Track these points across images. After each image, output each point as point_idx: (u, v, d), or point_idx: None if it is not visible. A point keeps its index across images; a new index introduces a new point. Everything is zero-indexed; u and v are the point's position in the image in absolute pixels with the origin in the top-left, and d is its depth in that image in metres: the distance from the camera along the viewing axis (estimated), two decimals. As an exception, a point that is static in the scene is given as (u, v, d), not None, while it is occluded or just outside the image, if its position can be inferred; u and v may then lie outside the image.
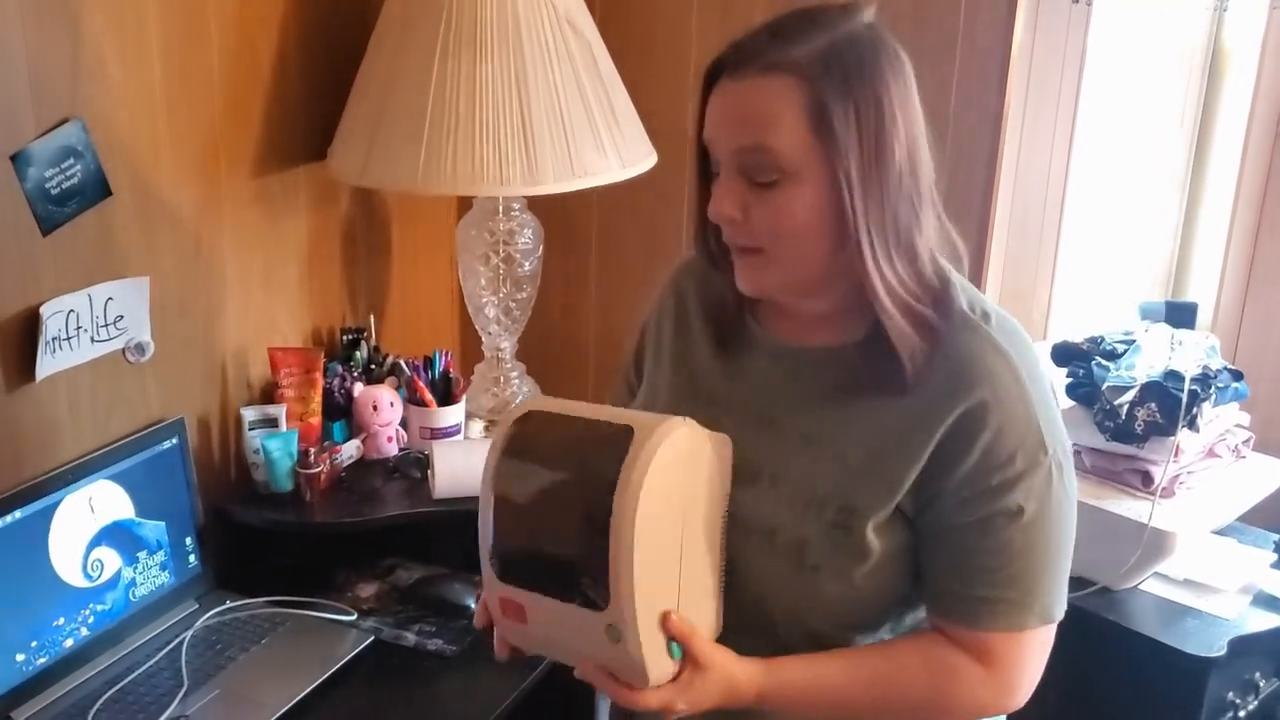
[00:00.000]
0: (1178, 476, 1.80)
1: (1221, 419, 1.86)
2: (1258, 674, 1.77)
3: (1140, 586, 1.81)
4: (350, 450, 1.96)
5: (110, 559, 1.70)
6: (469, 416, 2.09)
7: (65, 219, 1.62)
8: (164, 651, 1.70)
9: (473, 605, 1.66)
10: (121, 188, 1.69)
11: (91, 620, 1.68)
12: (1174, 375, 1.77)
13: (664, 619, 1.05)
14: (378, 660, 1.73)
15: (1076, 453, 1.55)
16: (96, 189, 1.65)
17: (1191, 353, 1.84)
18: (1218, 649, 1.67)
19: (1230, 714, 1.74)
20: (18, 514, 1.57)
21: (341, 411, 2.01)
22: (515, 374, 2.19)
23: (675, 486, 1.06)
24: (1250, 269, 2.01)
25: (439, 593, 1.85)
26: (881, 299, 1.06)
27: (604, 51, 1.95)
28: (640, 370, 1.32)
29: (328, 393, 1.99)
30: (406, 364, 2.05)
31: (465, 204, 2.17)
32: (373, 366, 2.09)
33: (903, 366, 1.08)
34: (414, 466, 1.97)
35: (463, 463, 1.87)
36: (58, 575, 1.63)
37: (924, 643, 1.14)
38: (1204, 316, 2.06)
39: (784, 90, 1.03)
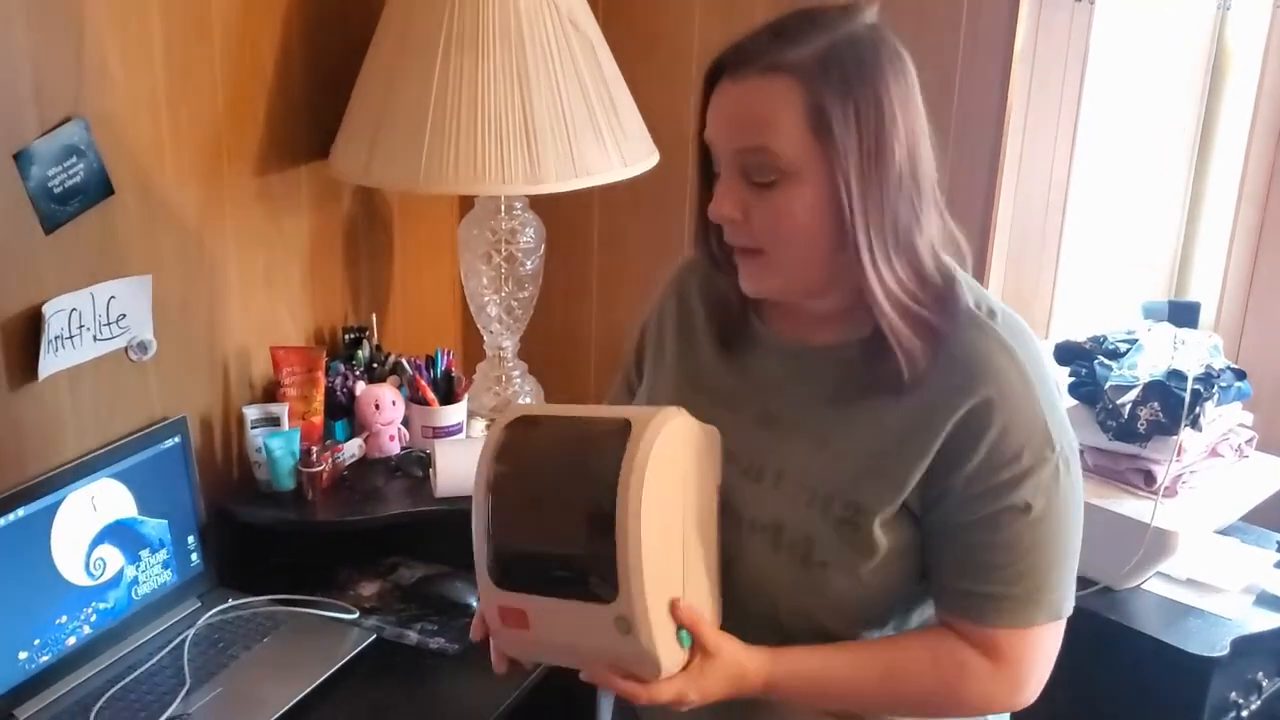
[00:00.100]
0: (1180, 476, 1.80)
1: (1224, 418, 1.85)
2: (1260, 674, 1.77)
3: (1143, 586, 1.81)
4: (352, 449, 1.97)
5: (113, 557, 1.70)
6: (471, 415, 2.09)
7: (68, 218, 1.62)
8: (166, 650, 1.70)
9: (475, 604, 1.66)
10: (124, 187, 1.69)
11: (94, 618, 1.68)
12: (1177, 374, 1.77)
13: (672, 606, 1.05)
14: (379, 659, 1.73)
15: (1079, 452, 1.55)
16: (99, 188, 1.65)
17: (1194, 352, 1.83)
18: (1220, 649, 1.67)
19: (1233, 714, 1.74)
20: (20, 512, 1.57)
21: (343, 410, 2.02)
22: (517, 373, 2.19)
23: (674, 476, 1.06)
24: (1253, 268, 2.01)
25: (441, 591, 1.85)
26: (879, 300, 1.06)
27: (606, 50, 1.95)
28: (641, 370, 1.33)
29: (330, 391, 1.99)
30: (408, 363, 2.06)
31: (467, 203, 2.17)
32: (375, 365, 2.09)
33: (906, 365, 1.08)
34: (416, 465, 1.97)
35: (465, 462, 1.87)
36: (60, 573, 1.63)
37: (934, 637, 1.14)
38: (1207, 316, 2.05)
39: (784, 91, 1.03)
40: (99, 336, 1.69)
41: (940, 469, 1.08)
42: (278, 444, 1.88)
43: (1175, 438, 1.76)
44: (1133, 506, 1.77)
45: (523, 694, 1.65)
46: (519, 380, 2.19)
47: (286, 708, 1.59)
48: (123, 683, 1.63)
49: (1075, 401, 1.85)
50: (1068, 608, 1.12)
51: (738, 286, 1.14)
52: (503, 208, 2.06)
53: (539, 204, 2.11)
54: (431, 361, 2.07)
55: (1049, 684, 1.15)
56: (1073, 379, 1.87)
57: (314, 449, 1.89)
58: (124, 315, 1.71)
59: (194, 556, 1.83)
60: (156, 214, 1.77)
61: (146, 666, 1.67)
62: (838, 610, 1.13)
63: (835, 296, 1.12)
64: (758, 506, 1.14)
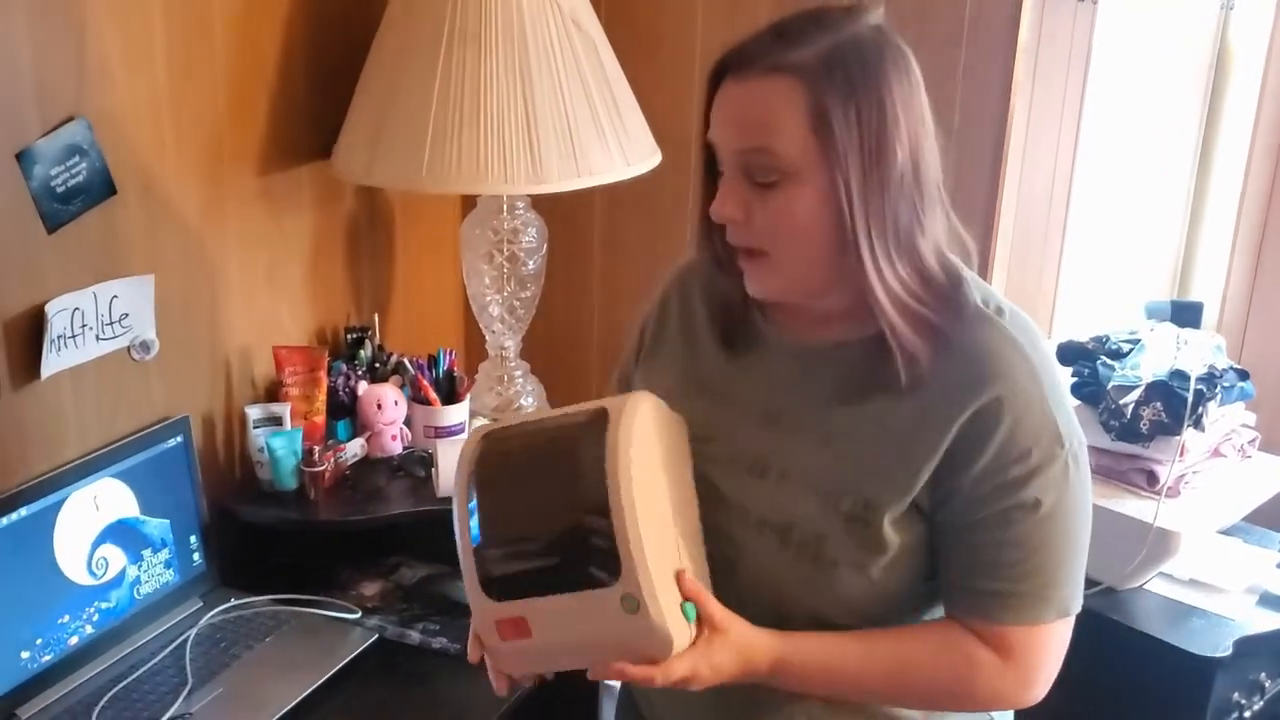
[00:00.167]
0: (1183, 476, 1.80)
1: (1227, 418, 1.85)
2: (1263, 674, 1.76)
3: (1145, 586, 1.81)
4: (354, 449, 1.97)
5: (115, 557, 1.70)
6: (473, 415, 2.09)
7: (70, 217, 1.62)
8: (168, 649, 1.71)
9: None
10: (126, 186, 1.69)
11: (96, 618, 1.68)
12: (1179, 375, 1.77)
13: (678, 577, 1.05)
14: (381, 658, 1.73)
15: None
16: (101, 187, 1.65)
17: (1197, 352, 1.83)
18: (1223, 649, 1.67)
19: (1235, 714, 1.74)
20: (23, 511, 1.57)
21: (346, 410, 2.02)
22: (519, 373, 2.19)
23: (654, 456, 1.07)
24: (1256, 268, 2.01)
25: (443, 591, 1.85)
26: (881, 300, 1.06)
27: (609, 50, 1.94)
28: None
29: (332, 391, 1.99)
30: (411, 362, 2.06)
31: (469, 202, 2.17)
32: (377, 365, 2.09)
33: (905, 366, 1.08)
34: (418, 465, 1.97)
35: (467, 461, 1.87)
36: (63, 573, 1.63)
37: (944, 630, 1.14)
38: (1210, 316, 2.05)
39: (786, 92, 1.03)
40: (101, 336, 1.69)
41: (950, 466, 1.08)
42: (280, 444, 1.88)
43: (1178, 438, 1.76)
44: (1135, 507, 1.77)
45: (524, 694, 1.64)
46: (521, 380, 2.19)
47: (288, 707, 1.59)
48: (125, 682, 1.64)
49: (1078, 402, 1.85)
50: (1076, 605, 1.12)
51: (741, 286, 1.14)
52: (505, 207, 2.06)
53: (541, 203, 2.11)
54: (434, 361, 2.07)
55: (1051, 684, 1.15)
56: (1075, 379, 1.87)
57: (316, 449, 1.89)
58: (126, 315, 1.71)
59: (196, 556, 1.83)
60: (159, 213, 1.77)
61: (148, 666, 1.67)
62: (846, 609, 1.13)
63: (838, 296, 1.12)
64: (765, 505, 1.14)
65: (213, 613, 1.78)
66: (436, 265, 2.35)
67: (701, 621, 1.07)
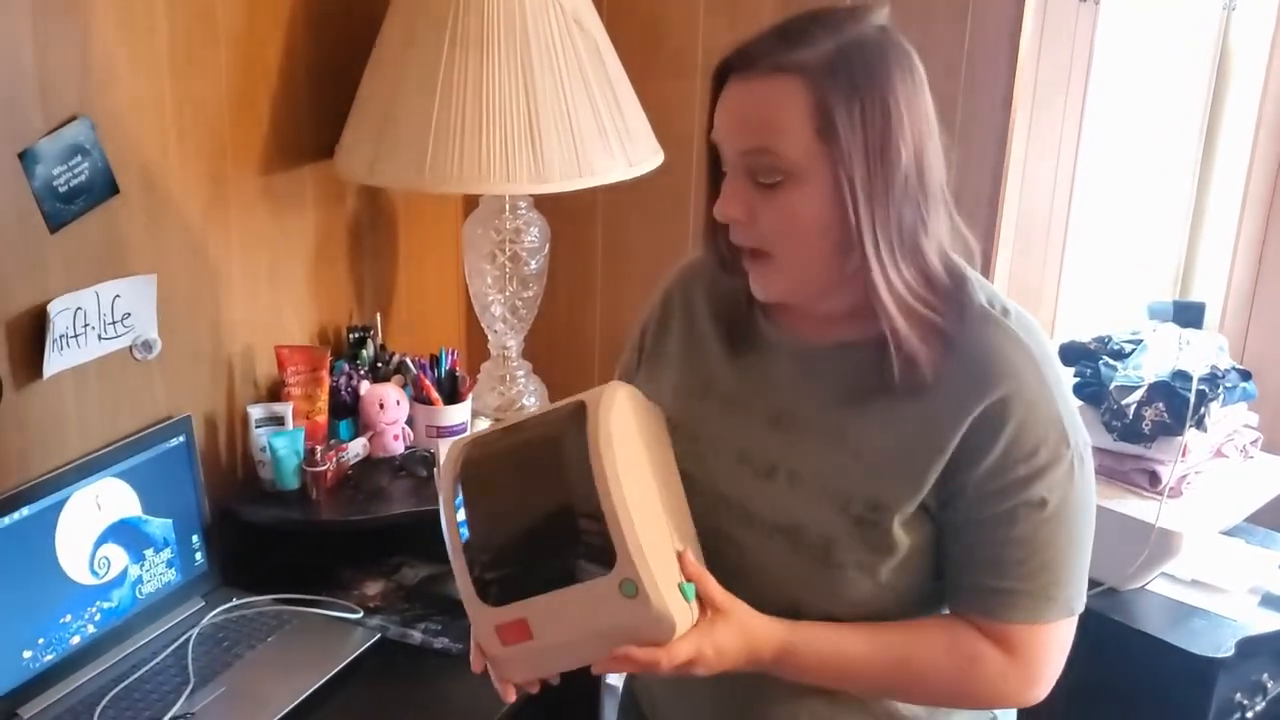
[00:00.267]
0: (1185, 476, 1.80)
1: (1229, 419, 1.85)
2: (1265, 675, 1.76)
3: (1147, 587, 1.81)
4: (356, 448, 1.97)
5: (117, 556, 1.70)
6: (475, 415, 2.09)
7: (73, 217, 1.62)
8: (170, 649, 1.71)
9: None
10: (129, 186, 1.69)
11: (98, 617, 1.68)
12: (1182, 375, 1.77)
13: (680, 559, 1.06)
14: (384, 658, 1.73)
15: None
16: (104, 187, 1.66)
17: (1199, 352, 1.83)
18: (1225, 650, 1.67)
19: (1238, 715, 1.74)
20: (25, 511, 1.57)
21: (348, 410, 2.02)
22: (521, 372, 2.19)
23: (637, 442, 1.08)
24: (1258, 269, 2.01)
25: (445, 591, 1.85)
26: (885, 301, 1.06)
27: (611, 50, 1.94)
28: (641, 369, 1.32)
29: (334, 391, 1.99)
30: (413, 362, 2.06)
31: (472, 202, 2.18)
32: (379, 365, 2.09)
33: (901, 368, 1.08)
34: (420, 465, 1.97)
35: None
36: (64, 572, 1.63)
37: (950, 625, 1.14)
38: (1212, 316, 2.05)
39: (789, 92, 1.03)
40: (104, 335, 1.69)
41: (957, 465, 1.08)
42: (282, 443, 1.88)
43: (1180, 438, 1.76)
44: (1137, 507, 1.77)
45: (526, 693, 1.65)
46: (523, 380, 2.19)
47: (290, 707, 1.59)
48: (126, 682, 1.64)
49: (1080, 402, 1.85)
50: (1080, 604, 1.12)
51: (745, 287, 1.14)
52: (507, 207, 2.06)
53: (543, 203, 2.11)
54: (436, 361, 2.07)
55: (1054, 684, 1.15)
56: (1078, 379, 1.87)
57: (318, 448, 1.89)
58: (129, 314, 1.71)
59: (198, 556, 1.83)
60: (161, 213, 1.77)
61: (150, 666, 1.67)
62: (853, 611, 1.13)
63: (842, 297, 1.12)
64: (774, 508, 1.14)
65: (215, 612, 1.78)
66: (439, 265, 2.35)
67: (703, 603, 1.07)
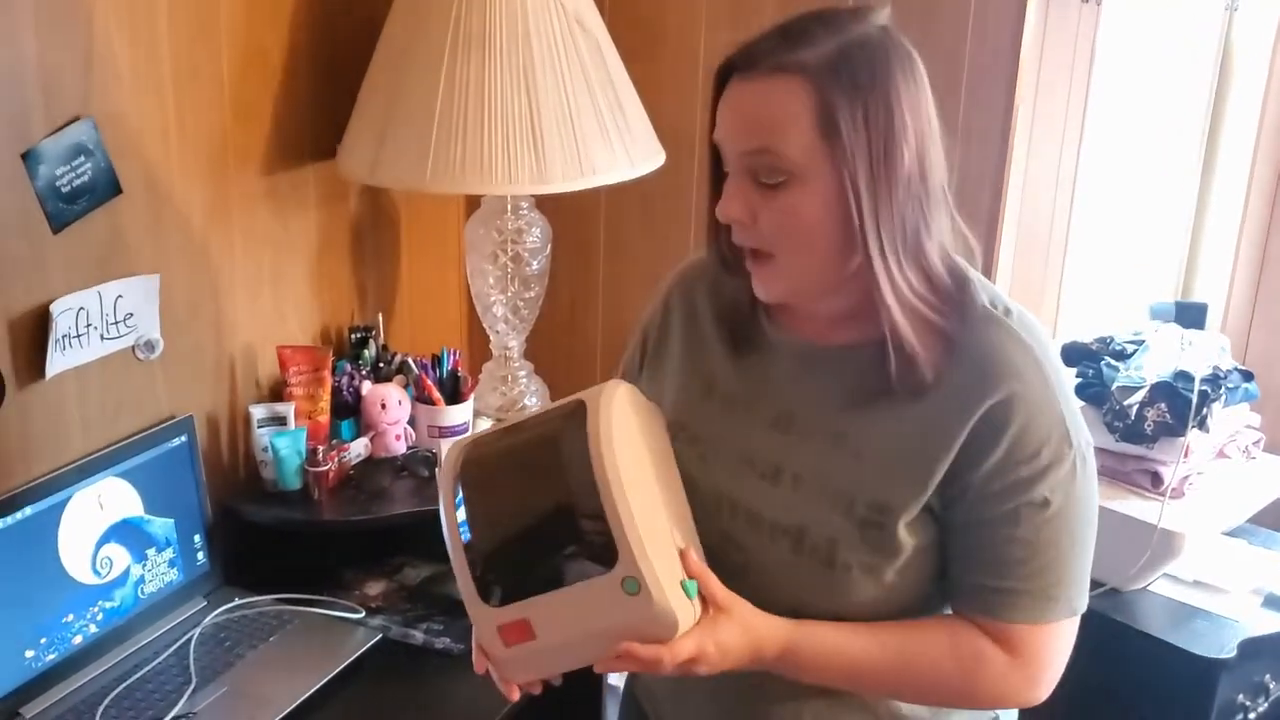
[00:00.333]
0: (1187, 477, 1.80)
1: (1232, 420, 1.85)
2: (1268, 676, 1.76)
3: (1149, 588, 1.81)
4: (358, 448, 1.97)
5: (119, 556, 1.70)
6: (477, 415, 2.09)
7: (75, 217, 1.63)
8: (172, 649, 1.71)
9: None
10: (131, 186, 1.69)
11: (100, 617, 1.68)
12: (1184, 376, 1.77)
13: (683, 556, 1.06)
14: (385, 658, 1.73)
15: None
16: (107, 187, 1.66)
17: (1201, 353, 1.83)
18: (1227, 651, 1.66)
19: (1240, 716, 1.73)
20: (28, 511, 1.57)
21: (350, 410, 2.02)
22: (523, 373, 2.19)
23: (637, 440, 1.09)
24: (1261, 269, 2.01)
25: (447, 591, 1.85)
26: (888, 302, 1.06)
27: (613, 50, 1.95)
28: (643, 371, 1.32)
29: (336, 391, 1.99)
30: (415, 362, 2.06)
31: (473, 202, 2.18)
32: (381, 365, 2.09)
33: (900, 370, 1.08)
34: (422, 465, 1.97)
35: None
36: (67, 572, 1.63)
37: (953, 625, 1.14)
38: (1214, 317, 2.05)
39: (792, 92, 1.03)
40: (106, 335, 1.69)
41: (961, 466, 1.08)
42: (284, 443, 1.88)
43: (1182, 439, 1.76)
44: (1139, 508, 1.76)
45: (527, 693, 1.65)
46: (525, 380, 2.19)
47: (292, 707, 1.59)
48: (128, 681, 1.64)
49: (1082, 402, 1.85)
50: (1083, 604, 1.12)
51: (748, 288, 1.14)
52: (509, 207, 2.06)
53: (545, 204, 2.11)
54: (438, 361, 2.07)
55: (1056, 685, 1.15)
56: (1079, 380, 1.87)
57: (320, 448, 1.89)
58: (131, 314, 1.72)
59: (200, 555, 1.84)
60: (164, 213, 1.77)
61: (152, 665, 1.67)
62: (859, 612, 1.13)
63: (844, 298, 1.12)
64: (778, 510, 1.13)
65: (217, 612, 1.78)
66: (441, 265, 2.36)
67: (705, 602, 1.07)
